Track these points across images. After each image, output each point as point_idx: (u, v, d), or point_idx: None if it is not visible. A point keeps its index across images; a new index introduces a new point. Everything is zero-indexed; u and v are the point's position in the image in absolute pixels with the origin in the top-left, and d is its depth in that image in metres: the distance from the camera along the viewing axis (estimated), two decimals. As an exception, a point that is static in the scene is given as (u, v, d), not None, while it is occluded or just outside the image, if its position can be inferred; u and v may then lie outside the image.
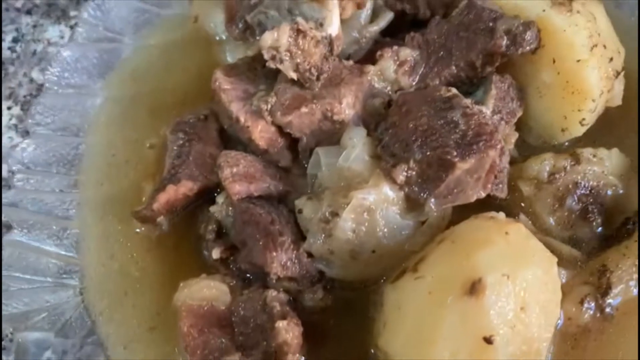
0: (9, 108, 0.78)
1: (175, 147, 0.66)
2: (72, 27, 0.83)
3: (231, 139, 0.67)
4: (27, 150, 0.66)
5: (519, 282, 0.51)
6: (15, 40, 0.83)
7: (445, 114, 0.58)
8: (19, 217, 0.62)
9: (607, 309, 0.59)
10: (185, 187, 0.62)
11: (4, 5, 0.85)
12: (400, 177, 0.57)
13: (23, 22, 0.85)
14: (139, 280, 0.62)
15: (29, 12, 0.85)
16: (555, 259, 0.55)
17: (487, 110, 0.62)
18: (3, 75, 0.80)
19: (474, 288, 0.50)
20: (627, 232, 0.62)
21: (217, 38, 0.75)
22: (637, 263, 0.61)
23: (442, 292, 0.51)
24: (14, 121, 0.77)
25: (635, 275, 0.60)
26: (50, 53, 0.82)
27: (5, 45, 0.82)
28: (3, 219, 0.61)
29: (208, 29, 0.75)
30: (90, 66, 0.72)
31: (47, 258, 0.61)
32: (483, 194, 0.58)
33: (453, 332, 0.50)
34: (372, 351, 0.57)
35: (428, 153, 0.57)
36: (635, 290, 0.60)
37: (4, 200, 0.62)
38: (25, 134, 0.70)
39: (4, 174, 0.68)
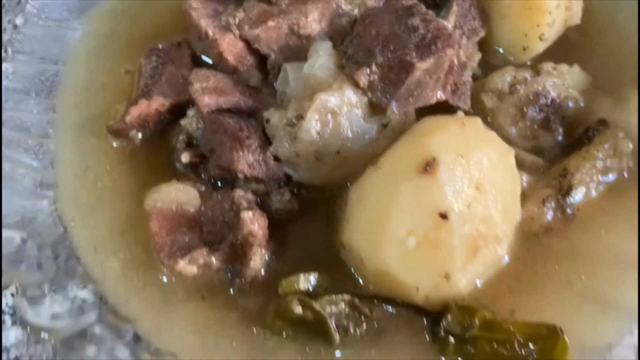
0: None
1: (149, 69, 0.68)
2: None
3: (203, 64, 0.69)
4: (7, 73, 0.68)
5: (473, 163, 0.52)
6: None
7: (405, 20, 0.61)
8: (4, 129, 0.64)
9: (568, 210, 0.61)
10: (157, 103, 0.64)
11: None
12: (363, 80, 0.59)
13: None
14: (112, 189, 0.63)
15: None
16: (512, 150, 0.57)
17: (448, 24, 0.64)
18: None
19: (428, 166, 0.51)
20: (587, 139, 0.64)
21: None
22: (597, 166, 0.63)
23: (398, 173, 0.53)
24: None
25: (595, 177, 0.62)
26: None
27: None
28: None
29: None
30: (70, 2, 0.75)
31: (24, 169, 0.63)
32: (443, 96, 0.60)
33: (408, 209, 0.51)
34: (339, 248, 0.59)
35: (389, 56, 0.59)
36: (595, 193, 0.62)
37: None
38: (5, 58, 0.73)
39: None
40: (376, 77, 0.59)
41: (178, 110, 0.66)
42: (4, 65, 0.68)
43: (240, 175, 0.59)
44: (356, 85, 0.59)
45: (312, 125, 0.58)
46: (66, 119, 0.68)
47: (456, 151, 0.52)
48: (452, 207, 0.51)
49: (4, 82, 0.67)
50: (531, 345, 0.51)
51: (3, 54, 0.68)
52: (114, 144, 0.66)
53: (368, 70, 0.59)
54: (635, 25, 0.71)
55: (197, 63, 0.69)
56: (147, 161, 0.65)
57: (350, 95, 0.59)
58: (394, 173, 0.53)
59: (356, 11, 0.67)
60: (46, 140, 0.66)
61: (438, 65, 0.58)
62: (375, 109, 0.60)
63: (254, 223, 0.56)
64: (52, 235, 0.60)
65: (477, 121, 0.57)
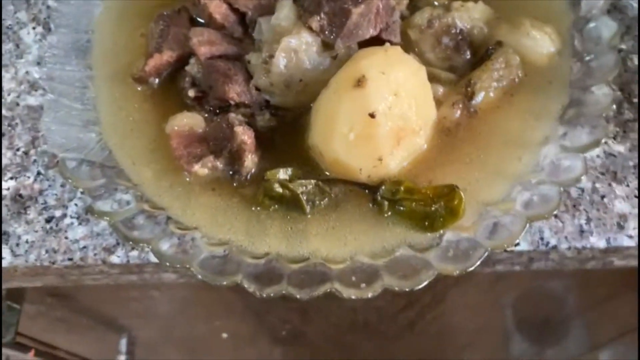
0: (33, 28, 1.03)
1: (157, 31, 0.90)
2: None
3: (198, 25, 0.91)
4: (52, 41, 0.90)
5: (392, 77, 0.74)
6: (31, -24, 1.08)
7: (343, -21, 0.82)
8: (50, 85, 0.86)
9: (472, 109, 0.83)
10: (167, 55, 0.87)
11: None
12: (315, 25, 0.81)
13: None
14: (140, 121, 0.86)
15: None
16: (424, 68, 0.79)
17: (377, -23, 0.85)
18: (27, 6, 1.04)
19: (359, 81, 0.73)
20: (487, 57, 0.86)
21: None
22: (493, 76, 0.85)
23: (340, 89, 0.74)
24: (38, 37, 1.01)
25: (492, 84, 0.84)
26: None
27: (25, -20, 1.07)
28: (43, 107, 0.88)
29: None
30: (91, -16, 0.96)
31: (75, 111, 0.85)
32: (374, 32, 0.82)
33: (348, 113, 0.74)
34: (306, 150, 0.82)
35: (332, 5, 0.80)
36: (492, 94, 0.84)
37: (40, 74, 0.86)
38: (48, 31, 0.96)
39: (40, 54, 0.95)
40: (325, 22, 0.81)
41: (182, 60, 0.88)
42: (49, 37, 0.91)
43: (232, 102, 0.82)
44: (310, 29, 0.81)
45: (280, 61, 0.80)
46: (100, 73, 0.90)
47: (379, 69, 0.74)
48: (377, 108, 0.73)
49: (52, 51, 0.89)
50: (438, 200, 0.75)
51: (52, 29, 0.91)
52: (138, 89, 0.88)
53: (318, 18, 0.80)
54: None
55: (194, 24, 0.91)
56: (164, 99, 0.87)
57: (307, 37, 0.81)
58: (337, 89, 0.75)
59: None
60: (87, 90, 0.89)
61: (368, 9, 0.80)
62: (326, 46, 0.82)
63: (244, 134, 0.79)
64: (101, 156, 0.83)
65: (398, 49, 0.79)
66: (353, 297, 0.69)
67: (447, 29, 0.86)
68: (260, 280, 0.72)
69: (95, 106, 0.87)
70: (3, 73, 0.99)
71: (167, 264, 0.73)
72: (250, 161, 0.79)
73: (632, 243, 0.82)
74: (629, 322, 1.61)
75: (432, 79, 0.82)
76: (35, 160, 0.91)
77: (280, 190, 0.76)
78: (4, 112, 0.96)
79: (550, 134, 0.81)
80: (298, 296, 0.70)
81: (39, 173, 0.91)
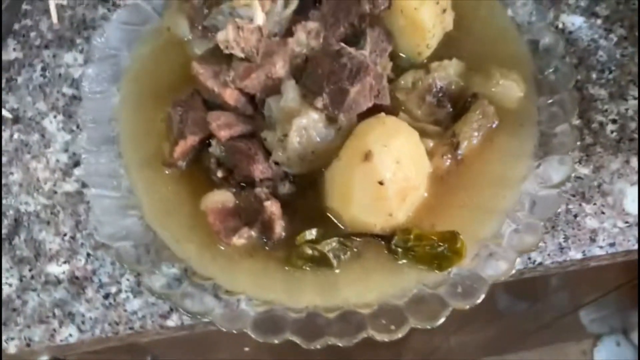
0: (54, 117, 1.13)
1: (177, 116, 1.01)
2: (81, 52, 1.18)
3: (211, 104, 1.03)
4: (83, 139, 1.01)
5: (393, 147, 0.87)
6: (43, 69, 1.17)
7: (338, 60, 0.94)
8: (90, 180, 0.97)
9: (459, 157, 0.98)
10: (191, 140, 0.98)
11: (28, 43, 1.18)
12: (319, 105, 0.93)
13: (44, 54, 1.18)
14: (175, 202, 0.97)
15: (46, 47, 1.19)
16: (417, 133, 0.93)
17: (366, 52, 0.98)
18: (44, 96, 1.14)
19: (367, 156, 0.87)
20: (465, 109, 1.00)
21: (186, 39, 1.09)
22: (473, 126, 0.99)
23: (351, 163, 0.87)
24: (61, 125, 1.12)
25: (474, 133, 0.99)
26: (71, 73, 1.16)
27: (38, 73, 1.16)
28: (87, 189, 0.99)
29: (179, 33, 1.09)
30: (106, 76, 1.06)
31: (115, 201, 0.97)
32: (370, 104, 0.94)
33: (361, 182, 0.87)
34: (325, 210, 0.95)
35: (332, 87, 0.93)
36: (475, 141, 0.99)
37: (80, 172, 0.97)
38: (77, 128, 1.07)
39: (74, 158, 1.06)
40: (327, 101, 0.93)
41: (204, 141, 1.00)
42: (80, 135, 1.01)
43: (257, 179, 0.95)
44: (316, 108, 0.94)
45: (294, 139, 0.93)
46: (131, 161, 1.01)
47: (382, 143, 0.87)
48: (385, 177, 0.87)
49: (86, 147, 1.00)
50: (443, 244, 0.89)
51: (80, 124, 1.02)
52: (167, 172, 1.00)
53: (321, 98, 0.93)
54: (493, 20, 1.06)
55: (207, 105, 1.03)
56: (192, 179, 0.99)
57: (314, 115, 0.93)
58: (349, 163, 0.88)
59: (304, 50, 1.01)
60: (122, 179, 1.00)
61: (363, 87, 0.93)
62: (330, 119, 0.95)
63: (272, 206, 0.91)
64: (148, 238, 0.95)
65: (392, 118, 0.92)
66: (386, 339, 0.84)
67: (429, 87, 1.00)
68: (305, 333, 0.86)
69: (132, 192, 0.99)
70: (36, 164, 1.09)
71: (224, 329, 0.87)
72: (279, 227, 0.93)
73: (603, 252, 0.98)
74: (610, 285, 1.79)
75: (422, 133, 0.96)
76: (82, 244, 1.03)
77: (310, 252, 0.90)
78: (43, 201, 1.07)
79: (527, 172, 0.96)
80: (340, 344, 0.84)
81: (88, 255, 1.02)
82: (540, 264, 0.99)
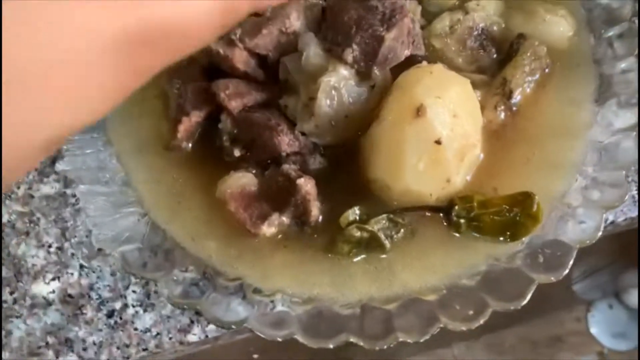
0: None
1: (175, 91, 0.84)
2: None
3: (211, 72, 0.86)
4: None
5: (447, 99, 0.73)
6: None
7: (366, 4, 0.79)
8: (76, 175, 0.79)
9: (513, 107, 0.84)
10: (195, 116, 0.82)
11: None
12: (349, 58, 0.78)
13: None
14: (183, 191, 0.81)
15: None
16: (468, 80, 0.79)
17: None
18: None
19: (419, 111, 0.72)
20: (514, 52, 0.86)
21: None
22: (525, 70, 0.86)
23: (400, 122, 0.73)
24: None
25: (527, 78, 0.85)
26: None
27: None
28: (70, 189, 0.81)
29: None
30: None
31: (111, 197, 0.80)
32: (408, 52, 0.80)
33: (414, 144, 0.73)
34: (365, 184, 0.80)
35: (363, 35, 0.78)
36: (528, 88, 0.85)
37: (63, 167, 0.79)
38: None
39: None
40: (357, 52, 0.78)
41: (211, 117, 0.83)
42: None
43: (283, 154, 0.79)
44: (345, 62, 0.78)
45: (323, 102, 0.77)
46: (123, 148, 0.83)
47: (434, 94, 0.73)
48: (442, 134, 0.72)
49: (67, 138, 0.81)
50: (515, 209, 0.75)
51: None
52: (169, 157, 0.83)
53: (351, 50, 0.78)
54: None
55: (207, 74, 0.86)
56: (201, 161, 0.83)
57: (343, 71, 0.78)
58: (396, 122, 0.74)
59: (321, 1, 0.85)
60: (116, 170, 0.82)
61: (400, 32, 0.78)
62: (362, 75, 0.80)
63: (307, 185, 0.76)
64: (157, 239, 0.78)
65: (439, 66, 0.78)
66: (464, 328, 0.70)
67: (470, 31, 0.86)
68: (365, 331, 0.71)
69: (130, 185, 0.81)
70: None
71: (267, 337, 0.71)
72: (316, 210, 0.77)
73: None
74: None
75: None
76: (73, 254, 0.85)
77: (358, 233, 0.75)
78: (18, 208, 0.88)
79: (591, 119, 0.83)
80: (410, 340, 0.69)
81: (82, 267, 0.85)
82: (612, 222, 0.86)
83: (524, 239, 0.75)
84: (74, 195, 0.87)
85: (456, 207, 0.76)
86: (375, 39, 0.77)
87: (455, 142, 0.74)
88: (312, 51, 0.79)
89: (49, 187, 0.89)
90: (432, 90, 0.74)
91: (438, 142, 0.72)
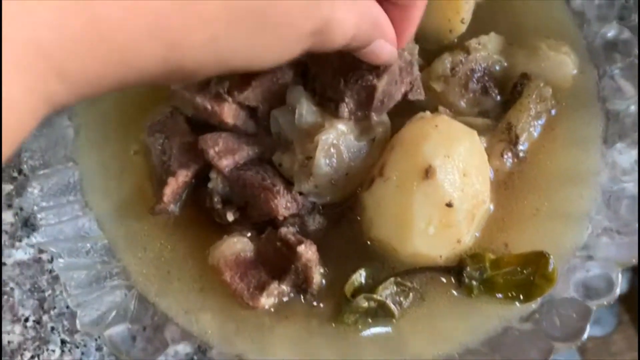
0: None
1: (158, 147, 0.77)
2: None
3: (197, 124, 0.79)
4: (34, 192, 0.75)
5: (456, 156, 0.69)
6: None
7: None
8: (56, 248, 0.72)
9: (520, 154, 0.80)
10: (182, 176, 0.75)
11: None
12: (345, 113, 0.72)
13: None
14: (173, 259, 0.75)
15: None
16: (475, 132, 0.74)
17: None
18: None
19: (427, 172, 0.67)
20: (518, 93, 0.81)
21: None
22: (531, 114, 0.81)
23: (407, 183, 0.68)
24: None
25: (532, 122, 0.81)
26: None
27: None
28: (45, 259, 0.74)
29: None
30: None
31: (94, 270, 0.73)
32: (404, 90, 0.74)
33: (423, 207, 0.68)
34: (368, 243, 0.75)
35: (354, 87, 0.71)
36: (535, 133, 0.81)
37: (39, 240, 0.72)
38: (20, 175, 0.80)
39: (22, 214, 0.79)
40: (352, 105, 0.72)
41: (200, 174, 0.77)
42: (29, 188, 0.75)
43: (280, 218, 0.73)
44: (341, 118, 0.73)
45: (322, 162, 0.71)
46: (104, 212, 0.77)
47: (442, 153, 0.68)
48: (452, 196, 0.68)
49: (41, 204, 0.74)
50: (529, 269, 0.71)
51: (27, 175, 0.75)
52: (155, 220, 0.77)
53: (344, 104, 0.72)
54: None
55: (192, 124, 0.79)
56: (191, 225, 0.76)
57: (341, 126, 0.72)
58: (403, 183, 0.68)
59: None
60: (97, 237, 0.75)
61: (392, 76, 0.72)
62: (360, 128, 0.74)
63: (308, 252, 0.70)
64: (146, 313, 0.72)
65: (444, 118, 0.73)
66: (485, 400, 0.66)
67: (471, 73, 0.81)
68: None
69: (114, 254, 0.75)
70: (-31, 229, 0.83)
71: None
72: (318, 276, 0.72)
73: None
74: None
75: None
76: (53, 328, 0.78)
77: (366, 304, 0.70)
78: (-12, 277, 0.80)
79: (599, 161, 0.79)
80: (428, 418, 0.65)
81: (63, 342, 0.78)
82: (622, 267, 0.83)
83: (538, 299, 0.71)
84: (50, 260, 0.80)
85: (467, 269, 0.72)
86: (367, 89, 0.71)
87: (465, 203, 0.69)
88: (305, 109, 0.73)
89: (22, 253, 0.81)
90: (440, 148, 0.69)
91: (449, 205, 0.68)
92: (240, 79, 0.74)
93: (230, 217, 0.73)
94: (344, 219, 0.76)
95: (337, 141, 0.72)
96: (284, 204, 0.72)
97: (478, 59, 0.81)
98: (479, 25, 0.85)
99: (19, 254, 0.81)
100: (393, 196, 0.70)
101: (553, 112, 0.81)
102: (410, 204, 0.68)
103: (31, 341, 0.78)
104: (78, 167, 0.79)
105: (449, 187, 0.67)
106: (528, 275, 0.71)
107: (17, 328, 0.78)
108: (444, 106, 0.80)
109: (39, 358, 0.77)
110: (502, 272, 0.72)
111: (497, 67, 0.83)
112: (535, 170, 0.79)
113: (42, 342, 0.78)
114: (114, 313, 0.70)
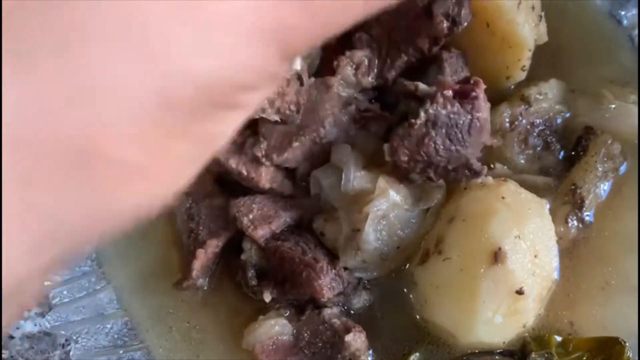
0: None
1: (184, 211, 0.69)
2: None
3: (227, 183, 0.71)
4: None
5: (527, 236, 0.61)
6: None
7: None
8: (72, 330, 0.64)
9: (586, 218, 0.72)
10: (212, 246, 0.67)
11: None
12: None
13: None
14: (202, 341, 0.67)
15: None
16: (544, 202, 0.66)
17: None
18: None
19: (497, 257, 0.60)
20: (582, 149, 0.73)
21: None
22: (598, 174, 0.73)
23: (472, 267, 0.60)
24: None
25: (599, 183, 0.73)
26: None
27: None
28: (61, 337, 0.66)
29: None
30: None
31: (116, 355, 0.65)
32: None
33: (490, 295, 0.60)
34: (418, 319, 0.67)
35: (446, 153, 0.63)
36: (603, 195, 0.73)
37: (53, 323, 0.64)
38: None
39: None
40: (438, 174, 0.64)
41: (231, 243, 0.69)
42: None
43: (325, 299, 0.65)
44: (397, 184, 0.64)
45: (371, 236, 0.63)
46: (124, 285, 0.68)
47: (513, 234, 0.60)
48: (523, 282, 0.60)
49: (52, 279, 0.66)
50: (600, 357, 0.64)
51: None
52: (183, 296, 0.69)
53: (431, 171, 0.63)
54: (589, 21, 0.79)
55: (220, 184, 0.71)
56: (222, 300, 0.69)
57: (394, 196, 0.64)
58: (467, 266, 0.61)
59: (353, 92, 0.70)
60: (117, 316, 0.68)
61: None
62: (416, 195, 0.66)
63: (357, 341, 0.63)
64: (174, 405, 0.64)
65: (510, 187, 0.65)
66: None
67: (532, 127, 0.73)
68: None
69: (137, 335, 0.67)
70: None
71: None
72: (365, 363, 0.64)
73: None
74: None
75: (529, 188, 0.69)
76: (67, 414, 0.70)
77: (421, 397, 0.62)
78: (-5, 351, 0.72)
79: (673, 225, 0.71)
80: None
81: None
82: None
83: (611, 389, 0.64)
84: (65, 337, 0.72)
85: (532, 355, 0.64)
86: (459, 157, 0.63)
87: (536, 288, 0.62)
88: (353, 172, 0.65)
89: (31, 324, 0.73)
90: (510, 226, 0.61)
91: (519, 293, 0.60)
92: (279, 140, 0.66)
93: (267, 297, 0.65)
94: (391, 295, 0.69)
95: (388, 212, 0.64)
96: (328, 283, 0.64)
97: (539, 111, 0.73)
98: (537, 69, 0.76)
99: (27, 325, 0.73)
100: (454, 279, 0.62)
101: (621, 171, 0.73)
102: (476, 290, 0.60)
103: None
104: (94, 231, 0.70)
105: (520, 273, 0.60)
106: (601, 362, 0.64)
107: (27, 413, 0.70)
108: (501, 163, 0.72)
109: None
110: (570, 358, 0.64)
111: (559, 120, 0.75)
112: (603, 236, 0.71)
113: None
114: (138, 407, 0.62)
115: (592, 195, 0.72)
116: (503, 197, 0.63)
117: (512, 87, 0.76)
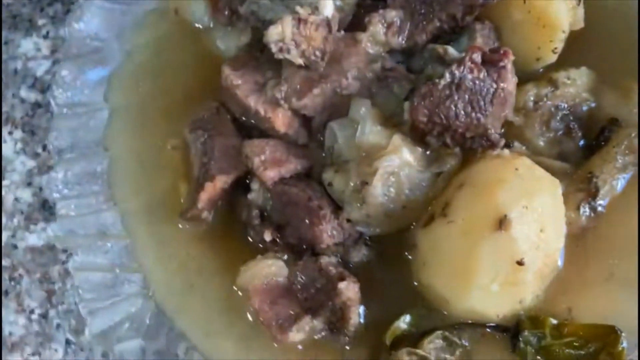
0: (10, 133, 0.79)
1: (199, 145, 0.70)
2: (45, 37, 0.83)
3: (244, 125, 0.72)
4: (58, 177, 0.68)
5: (535, 209, 0.60)
6: (-10, 61, 0.82)
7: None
8: (74, 243, 0.66)
9: (599, 208, 0.71)
10: (221, 182, 0.68)
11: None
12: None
13: (-8, 41, 0.83)
14: (199, 272, 0.68)
15: (-5, 29, 0.83)
16: (558, 182, 0.65)
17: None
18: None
19: (502, 224, 0.59)
20: (604, 140, 0.72)
21: (202, 27, 0.77)
22: (617, 166, 0.72)
23: (476, 231, 0.60)
24: (20, 145, 0.78)
25: (617, 175, 0.72)
26: (32, 68, 0.82)
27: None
28: (60, 248, 0.67)
29: (191, 19, 0.76)
30: (88, 80, 0.73)
31: (111, 273, 0.66)
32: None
33: (490, 262, 0.60)
34: (415, 284, 0.67)
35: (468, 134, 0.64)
36: (619, 187, 0.72)
37: (56, 232, 0.66)
38: (44, 151, 0.75)
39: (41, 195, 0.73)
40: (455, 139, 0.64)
41: (239, 182, 0.69)
42: (53, 173, 0.68)
43: (324, 245, 0.65)
44: (412, 145, 0.64)
45: (378, 190, 0.63)
46: (130, 209, 0.69)
47: (521, 203, 0.60)
48: (525, 253, 0.59)
49: (62, 191, 0.67)
50: (594, 344, 0.63)
51: (50, 151, 0.69)
52: (185, 227, 0.69)
53: (447, 135, 0.64)
54: (629, 12, 0.78)
55: (238, 125, 0.72)
56: (222, 238, 0.69)
57: (407, 155, 0.64)
58: (469, 229, 0.60)
59: (381, 50, 0.70)
60: (120, 236, 0.68)
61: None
62: (430, 158, 0.66)
63: (350, 290, 0.63)
64: (162, 330, 0.65)
65: (525, 161, 0.64)
66: None
67: (556, 110, 0.72)
68: None
69: (135, 259, 0.68)
70: (-16, 203, 0.76)
71: None
72: (356, 317, 0.64)
73: None
74: None
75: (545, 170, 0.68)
76: (59, 325, 0.72)
77: (407, 358, 0.62)
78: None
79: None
80: None
81: (68, 342, 0.71)
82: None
83: (601, 378, 0.63)
84: (65, 250, 0.73)
85: (525, 332, 0.64)
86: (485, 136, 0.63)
87: (538, 261, 0.61)
88: (369, 126, 0.65)
89: (35, 238, 0.75)
90: (518, 196, 0.60)
91: (520, 263, 0.59)
92: (300, 85, 0.66)
93: (267, 236, 0.66)
94: (391, 255, 0.68)
95: (398, 169, 0.64)
96: (329, 231, 0.64)
97: (565, 96, 0.72)
98: (568, 55, 0.75)
99: (32, 238, 0.75)
100: (455, 242, 0.61)
101: (641, 166, 0.72)
102: (476, 255, 0.60)
103: (34, 336, 0.71)
104: (108, 154, 0.72)
105: (524, 244, 0.59)
106: (592, 351, 0.63)
107: (21, 319, 0.72)
108: (520, 142, 0.72)
109: (39, 356, 0.70)
110: (563, 341, 0.63)
111: (585, 108, 0.74)
112: (613, 229, 0.70)
113: (45, 339, 0.71)
114: (127, 325, 0.63)
115: (607, 186, 0.70)
116: (516, 169, 0.62)
117: (541, 70, 0.75)
